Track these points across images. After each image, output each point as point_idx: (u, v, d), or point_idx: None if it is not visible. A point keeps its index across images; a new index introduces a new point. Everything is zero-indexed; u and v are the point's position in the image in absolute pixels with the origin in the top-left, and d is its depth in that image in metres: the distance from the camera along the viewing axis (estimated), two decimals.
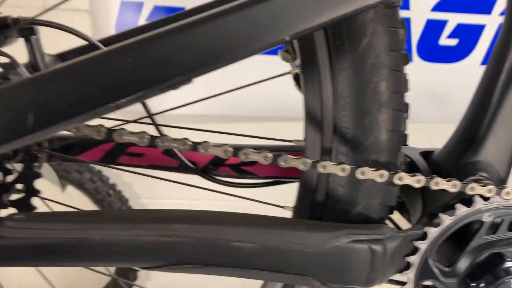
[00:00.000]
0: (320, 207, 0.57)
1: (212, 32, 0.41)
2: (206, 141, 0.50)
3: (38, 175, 0.52)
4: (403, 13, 0.50)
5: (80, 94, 0.40)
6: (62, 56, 0.65)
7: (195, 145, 0.49)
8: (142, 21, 1.86)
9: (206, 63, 0.41)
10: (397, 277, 0.56)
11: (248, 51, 0.41)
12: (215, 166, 0.66)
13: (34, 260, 0.47)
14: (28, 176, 0.52)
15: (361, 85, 0.51)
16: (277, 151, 0.54)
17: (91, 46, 0.63)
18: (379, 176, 0.51)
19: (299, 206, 0.59)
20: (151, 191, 1.77)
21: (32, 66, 0.61)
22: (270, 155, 0.50)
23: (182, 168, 0.67)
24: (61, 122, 0.41)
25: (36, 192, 0.53)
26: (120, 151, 0.67)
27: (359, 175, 0.51)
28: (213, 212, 0.51)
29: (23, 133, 0.41)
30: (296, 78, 0.69)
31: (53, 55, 0.64)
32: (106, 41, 0.64)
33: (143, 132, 0.49)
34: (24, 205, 0.53)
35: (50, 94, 0.40)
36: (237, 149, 0.49)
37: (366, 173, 0.51)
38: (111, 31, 1.85)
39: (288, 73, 0.56)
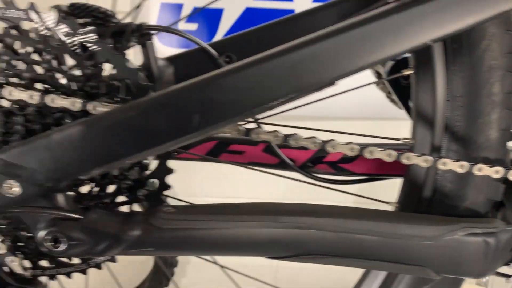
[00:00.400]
0: (427, 202, 0.60)
1: (361, 37, 0.44)
2: (333, 139, 0.53)
3: (171, 171, 0.55)
4: None
5: (240, 96, 0.43)
6: (172, 60, 0.68)
7: (324, 143, 0.52)
8: (182, 22, 1.91)
9: (354, 66, 0.44)
10: (504, 269, 0.59)
11: (393, 54, 0.45)
12: (313, 164, 0.69)
13: (183, 250, 0.50)
14: (162, 172, 0.55)
15: (477, 85, 0.54)
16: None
17: (202, 51, 0.67)
18: (495, 172, 0.54)
19: (405, 202, 0.62)
20: (188, 191, 1.81)
21: (146, 69, 0.64)
22: (394, 152, 0.53)
23: (281, 165, 0.70)
24: (221, 122, 0.44)
25: (167, 187, 0.57)
26: (221, 149, 0.71)
27: (476, 171, 0.53)
28: (338, 207, 0.55)
29: (188, 132, 0.44)
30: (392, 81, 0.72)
31: (164, 58, 0.68)
32: (214, 46, 0.67)
33: (276, 131, 0.52)
34: (155, 200, 0.57)
35: (214, 96, 0.43)
36: (362, 147, 0.52)
37: (483, 170, 0.53)
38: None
39: (401, 74, 0.59)
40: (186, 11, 1.93)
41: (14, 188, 0.45)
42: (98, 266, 0.60)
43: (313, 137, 0.52)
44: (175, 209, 0.50)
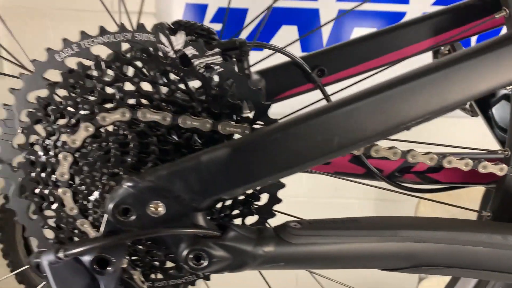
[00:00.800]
0: None
1: (493, 61, 0.45)
2: (448, 155, 0.54)
3: (283, 185, 0.57)
4: None
5: (381, 118, 0.45)
6: (263, 73, 0.70)
7: (441, 159, 0.54)
8: (206, 23, 1.92)
9: (481, 91, 0.46)
10: None
11: None
12: (401, 173, 0.71)
13: (309, 264, 0.52)
14: (274, 186, 0.57)
15: None
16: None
17: (293, 65, 0.69)
18: None
19: (499, 210, 0.64)
20: None
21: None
22: (505, 167, 0.55)
23: (368, 175, 0.71)
24: (359, 143, 0.46)
25: (279, 201, 0.59)
26: None
27: None
28: (451, 219, 0.56)
29: (327, 153, 0.46)
30: None
31: (256, 72, 0.70)
32: (305, 59, 0.69)
33: (395, 147, 0.54)
34: (267, 213, 0.59)
35: (355, 118, 0.45)
36: (476, 162, 0.54)
37: None
38: None
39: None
40: (210, 11, 1.95)
41: (159, 209, 0.46)
42: (206, 277, 0.62)
43: (430, 152, 0.54)
44: (300, 224, 0.51)
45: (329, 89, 0.69)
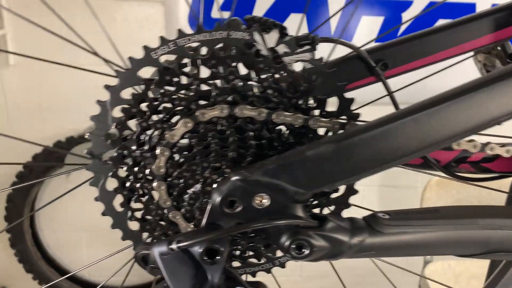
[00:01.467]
0: None
1: None
2: None
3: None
4: None
5: (477, 115, 0.48)
6: None
7: None
8: (214, 12, 1.92)
9: None
10: None
11: None
12: (457, 163, 0.74)
13: (396, 252, 0.55)
14: None
15: None
16: None
17: (356, 58, 0.70)
18: None
19: None
20: None
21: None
22: None
23: (425, 165, 0.74)
24: (454, 138, 0.49)
25: (355, 192, 0.61)
26: None
27: None
28: None
29: (427, 147, 0.49)
30: None
31: None
32: (369, 52, 0.71)
33: (474, 140, 0.56)
34: (343, 204, 0.61)
35: (455, 114, 0.47)
36: None
37: None
38: (184, 22, 1.92)
39: None
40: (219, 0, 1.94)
41: (264, 201, 0.48)
42: (282, 265, 0.65)
43: (506, 144, 0.57)
44: (389, 215, 0.54)
45: (390, 82, 0.72)
